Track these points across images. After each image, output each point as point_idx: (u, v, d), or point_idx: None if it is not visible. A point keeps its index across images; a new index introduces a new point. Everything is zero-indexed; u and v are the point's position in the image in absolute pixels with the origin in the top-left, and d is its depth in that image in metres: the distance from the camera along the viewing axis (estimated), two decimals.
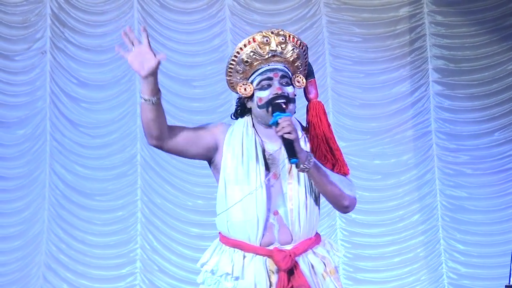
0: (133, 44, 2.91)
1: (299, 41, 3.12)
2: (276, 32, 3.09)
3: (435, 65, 7.59)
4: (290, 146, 2.93)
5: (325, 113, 3.18)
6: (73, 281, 7.28)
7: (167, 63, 7.48)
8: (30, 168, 7.40)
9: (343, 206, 3.10)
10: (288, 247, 3.04)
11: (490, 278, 7.23)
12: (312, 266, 3.08)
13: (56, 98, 7.45)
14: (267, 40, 3.07)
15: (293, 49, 3.10)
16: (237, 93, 3.14)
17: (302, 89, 3.17)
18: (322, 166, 3.04)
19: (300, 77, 3.13)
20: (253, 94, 3.09)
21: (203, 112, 7.42)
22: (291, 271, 3.02)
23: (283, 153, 3.06)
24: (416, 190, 7.49)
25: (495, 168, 7.47)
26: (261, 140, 3.11)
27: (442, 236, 7.41)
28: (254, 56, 3.07)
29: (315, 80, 3.22)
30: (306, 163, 2.96)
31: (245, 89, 3.10)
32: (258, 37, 3.08)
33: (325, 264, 3.10)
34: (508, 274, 6.33)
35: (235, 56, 3.09)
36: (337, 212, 7.20)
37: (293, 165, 3.03)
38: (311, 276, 3.05)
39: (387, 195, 7.45)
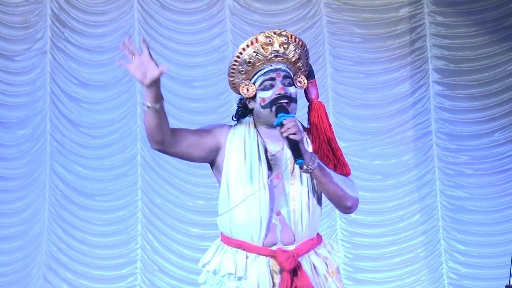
0: (133, 55, 2.87)
1: (301, 42, 3.13)
2: (278, 32, 3.10)
3: (436, 65, 7.59)
4: (296, 147, 2.94)
5: (326, 113, 3.19)
6: (73, 281, 7.28)
7: (167, 63, 7.47)
8: (30, 169, 7.40)
9: (346, 206, 3.11)
10: (291, 248, 3.04)
11: (490, 278, 7.23)
12: (314, 267, 3.09)
13: (56, 99, 7.45)
14: (270, 41, 3.08)
15: (295, 50, 3.11)
16: (239, 94, 3.15)
17: (303, 90, 3.17)
18: (325, 167, 3.05)
19: (302, 78, 3.14)
20: (255, 95, 3.10)
21: (204, 112, 7.42)
22: (294, 271, 3.02)
23: (285, 154, 3.08)
24: (416, 190, 7.49)
25: (495, 169, 7.47)
26: (263, 140, 3.12)
27: (442, 236, 7.41)
28: (257, 56, 3.08)
29: (315, 81, 3.22)
30: (310, 164, 2.97)
31: (247, 90, 3.10)
32: (261, 38, 3.09)
33: (327, 265, 3.11)
34: (508, 274, 6.33)
35: (238, 57, 3.10)
36: (337, 213, 7.21)
37: (296, 166, 3.03)
38: (313, 277, 3.06)
39: (387, 195, 7.45)
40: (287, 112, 3.01)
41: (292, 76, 3.12)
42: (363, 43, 7.57)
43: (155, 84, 2.89)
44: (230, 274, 3.02)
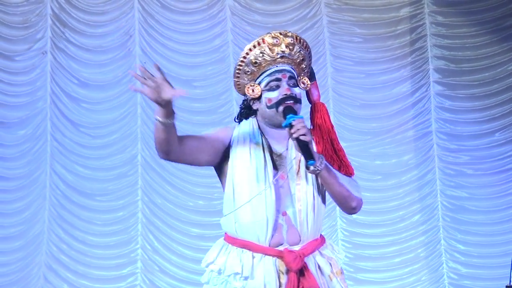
0: (145, 78, 2.84)
1: (305, 43, 3.15)
2: (284, 33, 3.12)
3: (436, 65, 7.58)
4: (306, 148, 2.95)
5: (328, 114, 3.20)
6: (73, 282, 7.28)
7: (167, 63, 7.49)
8: (30, 169, 7.40)
9: (351, 207, 3.12)
10: (296, 248, 3.04)
11: (490, 278, 7.23)
12: (319, 267, 3.09)
13: (56, 99, 7.45)
14: (276, 41, 3.09)
15: (300, 51, 3.13)
16: (243, 94, 3.16)
17: (305, 91, 3.18)
18: (332, 168, 3.06)
19: (305, 79, 3.16)
20: (260, 95, 3.11)
21: (204, 112, 7.42)
22: (301, 272, 3.03)
23: (290, 154, 3.09)
24: (417, 190, 7.49)
25: (496, 169, 7.47)
26: (268, 141, 3.12)
27: (442, 236, 7.41)
28: (263, 57, 3.09)
29: (316, 82, 3.23)
30: (318, 164, 2.98)
31: (253, 90, 3.11)
32: (268, 39, 3.10)
33: (331, 265, 3.12)
34: (509, 275, 6.34)
35: (244, 57, 3.11)
36: (337, 213, 7.21)
37: (301, 166, 3.05)
38: (318, 277, 3.07)
39: (388, 195, 7.45)
40: (295, 113, 3.01)
41: (296, 77, 3.13)
42: (363, 43, 7.57)
43: (168, 103, 2.86)
44: (236, 273, 3.01)
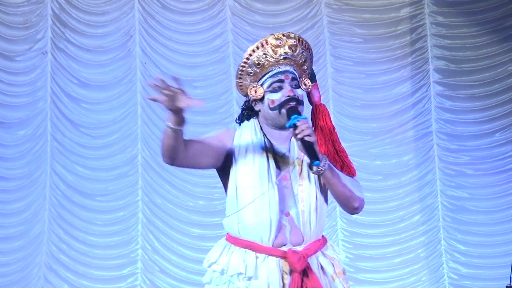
0: (161, 88, 2.84)
1: (307, 44, 3.16)
2: (287, 34, 3.12)
3: (436, 65, 7.58)
4: (311, 149, 2.96)
5: (329, 116, 3.22)
6: (74, 282, 7.28)
7: (168, 64, 7.49)
8: (30, 169, 7.40)
9: (353, 207, 3.13)
10: (299, 248, 3.05)
11: (491, 278, 7.23)
12: (322, 268, 3.10)
13: (57, 99, 7.45)
14: (280, 43, 3.10)
15: (302, 52, 3.14)
16: (245, 95, 3.17)
17: (305, 92, 3.19)
18: (335, 168, 3.07)
19: (307, 80, 3.17)
20: (263, 97, 3.11)
21: (204, 112, 7.41)
22: (304, 272, 3.03)
23: (293, 155, 3.10)
24: (417, 190, 7.49)
25: (496, 169, 7.47)
26: (270, 142, 3.12)
27: (443, 236, 7.41)
28: (266, 58, 3.10)
29: (317, 83, 3.24)
30: (321, 165, 2.98)
31: (255, 92, 3.12)
32: (271, 40, 3.10)
33: (333, 266, 3.13)
34: (509, 275, 6.34)
35: (247, 59, 3.11)
36: (338, 213, 7.21)
37: (304, 167, 3.06)
38: (321, 277, 3.07)
39: (388, 195, 7.45)
40: (299, 114, 3.02)
41: (298, 78, 3.14)
42: (363, 44, 7.58)
43: (181, 111, 2.87)
44: (240, 273, 3.02)
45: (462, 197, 7.46)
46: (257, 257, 3.03)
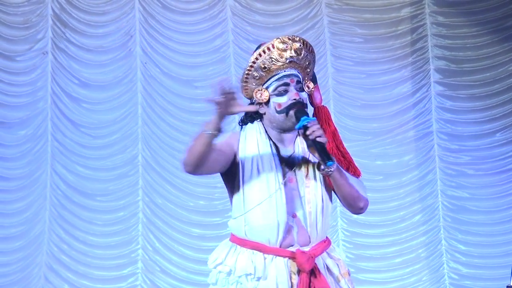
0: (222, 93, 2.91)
1: (311, 47, 3.17)
2: (292, 38, 3.13)
3: (437, 65, 7.58)
4: (324, 150, 2.99)
5: (331, 118, 3.23)
6: (74, 282, 7.28)
7: (168, 64, 7.49)
8: (31, 169, 7.40)
9: (359, 207, 3.17)
10: (306, 249, 3.07)
11: (491, 278, 7.23)
12: (328, 268, 3.13)
13: (57, 99, 7.45)
14: (286, 47, 3.11)
15: (306, 55, 3.16)
16: (250, 98, 3.19)
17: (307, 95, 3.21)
18: (342, 169, 3.09)
19: (310, 83, 3.19)
20: (268, 100, 3.12)
21: (204, 112, 7.34)
22: (312, 272, 3.05)
23: (298, 157, 3.12)
24: (418, 190, 7.49)
25: (497, 169, 7.47)
26: (276, 144, 3.15)
27: (443, 236, 7.41)
28: (272, 62, 3.11)
29: (318, 85, 3.25)
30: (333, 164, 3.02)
31: (261, 95, 3.13)
32: (277, 44, 3.11)
33: (338, 266, 3.16)
34: (510, 275, 6.33)
35: (253, 62, 3.13)
36: (338, 213, 7.21)
37: (310, 168, 3.09)
38: (327, 278, 3.09)
39: (389, 195, 7.45)
40: (308, 115, 3.05)
41: (302, 81, 3.16)
42: (364, 44, 7.57)
43: (227, 116, 2.93)
44: (248, 274, 3.03)
45: (463, 197, 7.46)
46: (265, 258, 3.05)
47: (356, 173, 3.18)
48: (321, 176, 3.10)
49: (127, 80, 7.47)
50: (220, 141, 3.10)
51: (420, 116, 7.54)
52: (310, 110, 3.22)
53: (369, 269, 7.35)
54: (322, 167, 3.04)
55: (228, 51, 7.47)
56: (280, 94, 3.11)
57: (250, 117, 3.20)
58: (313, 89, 3.19)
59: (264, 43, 3.16)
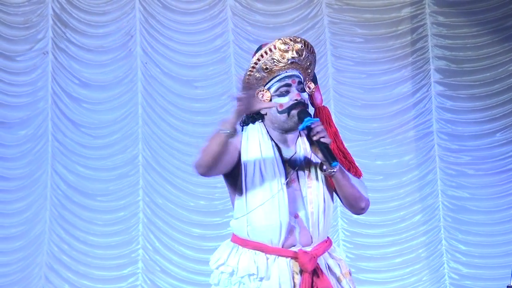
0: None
1: (312, 48, 3.19)
2: (293, 39, 3.15)
3: (437, 65, 7.58)
4: (328, 150, 3.00)
5: (332, 118, 3.25)
6: (74, 282, 7.28)
7: (168, 64, 7.49)
8: (31, 169, 7.40)
9: (360, 207, 3.20)
10: (308, 249, 3.08)
11: (492, 278, 7.23)
12: (329, 268, 3.14)
13: (57, 99, 7.45)
14: (288, 47, 3.13)
15: (308, 56, 3.17)
16: None
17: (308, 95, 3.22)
18: (344, 170, 3.11)
19: (311, 83, 3.21)
20: (270, 101, 3.13)
21: (205, 112, 7.42)
22: (314, 272, 3.07)
23: (299, 157, 3.13)
24: (418, 190, 7.49)
25: (497, 169, 7.47)
26: (278, 145, 3.16)
27: (444, 236, 7.41)
28: (274, 63, 3.12)
29: (318, 86, 3.26)
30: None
31: (262, 96, 3.14)
32: (279, 45, 3.13)
33: (340, 267, 3.18)
34: (510, 275, 6.33)
35: (255, 63, 3.14)
36: (339, 213, 7.21)
37: (312, 169, 3.10)
38: (328, 278, 3.11)
39: (389, 195, 7.45)
40: (311, 116, 3.07)
41: (303, 82, 3.17)
42: (364, 44, 7.57)
43: (244, 114, 3.00)
44: (251, 274, 3.04)
45: (463, 197, 7.46)
46: (267, 258, 3.06)
47: (357, 174, 3.19)
48: (323, 176, 3.11)
49: (127, 80, 7.47)
50: None
51: (420, 116, 7.54)
52: (310, 110, 3.23)
53: (369, 269, 7.35)
54: (325, 167, 3.06)
55: (228, 51, 7.47)
56: (281, 95, 3.12)
57: (251, 118, 3.20)
58: (314, 90, 3.20)
59: (265, 44, 3.18)
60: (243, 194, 3.10)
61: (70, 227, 7.32)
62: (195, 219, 7.33)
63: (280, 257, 3.06)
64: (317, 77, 3.30)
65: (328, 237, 3.19)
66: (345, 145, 3.26)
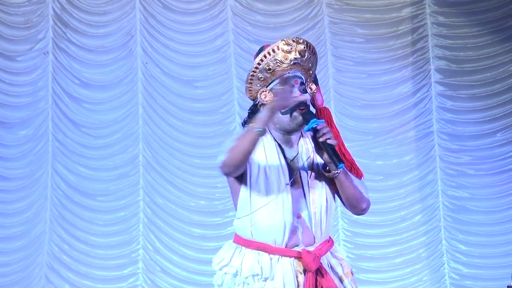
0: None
1: (314, 49, 3.21)
2: (296, 40, 3.16)
3: (437, 65, 7.59)
4: (334, 151, 3.02)
5: (333, 119, 3.26)
6: (75, 282, 7.28)
7: (169, 63, 7.49)
8: (32, 169, 7.40)
9: (362, 208, 3.21)
10: (311, 249, 3.10)
11: (492, 278, 7.23)
12: (331, 268, 3.16)
13: (58, 99, 7.46)
14: (290, 48, 3.14)
15: (310, 57, 3.18)
16: (253, 99, 3.22)
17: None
18: (347, 171, 3.13)
19: (312, 84, 3.23)
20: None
21: (205, 112, 7.42)
22: (317, 271, 3.08)
23: (302, 158, 3.14)
24: (418, 190, 7.49)
25: (497, 169, 7.47)
26: (281, 146, 3.17)
27: (444, 236, 7.41)
28: (277, 64, 3.14)
29: (319, 87, 3.27)
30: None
31: (265, 96, 3.15)
32: (282, 46, 3.14)
33: (342, 266, 3.20)
34: (510, 275, 6.34)
35: (258, 64, 3.15)
36: (339, 213, 7.21)
37: (314, 169, 3.11)
38: (332, 278, 3.12)
39: (389, 195, 7.45)
40: (316, 117, 3.09)
41: (305, 82, 3.18)
42: (365, 44, 7.58)
43: (278, 110, 3.02)
44: (255, 275, 3.06)
45: (463, 197, 7.47)
46: (271, 258, 3.07)
47: (358, 174, 3.20)
48: (325, 176, 3.12)
49: (128, 80, 7.47)
50: None
51: (421, 116, 7.55)
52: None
53: (369, 269, 7.35)
54: (329, 168, 3.07)
55: (228, 51, 7.47)
56: None
57: (254, 118, 3.21)
58: (315, 91, 3.21)
59: (267, 45, 3.19)
60: (247, 194, 3.11)
61: (70, 227, 7.32)
62: (196, 219, 7.33)
63: (283, 257, 3.07)
64: (318, 77, 3.31)
65: (330, 237, 3.21)
66: (346, 145, 3.27)
